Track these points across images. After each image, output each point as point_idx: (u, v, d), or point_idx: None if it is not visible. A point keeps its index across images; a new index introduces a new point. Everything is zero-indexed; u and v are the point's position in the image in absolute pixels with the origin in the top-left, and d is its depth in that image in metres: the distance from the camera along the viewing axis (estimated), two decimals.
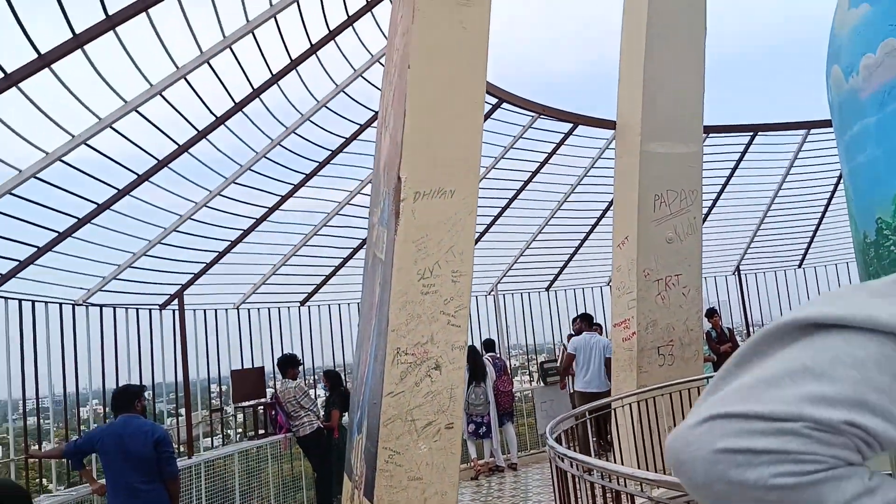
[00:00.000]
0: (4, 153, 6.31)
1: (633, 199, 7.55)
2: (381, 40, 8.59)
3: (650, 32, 7.26)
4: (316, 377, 12.13)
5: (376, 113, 9.34)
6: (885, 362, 0.62)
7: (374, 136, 9.42)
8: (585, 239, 13.45)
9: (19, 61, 5.63)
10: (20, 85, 5.70)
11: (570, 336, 10.82)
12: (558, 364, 10.98)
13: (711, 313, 11.60)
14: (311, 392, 10.64)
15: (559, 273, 13.82)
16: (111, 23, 5.81)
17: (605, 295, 14.07)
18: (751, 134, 12.44)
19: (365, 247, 6.59)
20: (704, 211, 12.48)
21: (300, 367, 9.52)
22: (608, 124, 10.81)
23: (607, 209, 12.60)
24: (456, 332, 4.76)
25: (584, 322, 10.00)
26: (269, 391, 10.52)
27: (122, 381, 9.22)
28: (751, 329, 15.60)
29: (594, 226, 13.27)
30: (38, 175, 6.55)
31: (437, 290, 4.73)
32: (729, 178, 13.27)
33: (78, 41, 5.76)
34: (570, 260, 13.73)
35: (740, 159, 12.94)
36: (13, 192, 6.50)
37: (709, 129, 11.70)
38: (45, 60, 5.67)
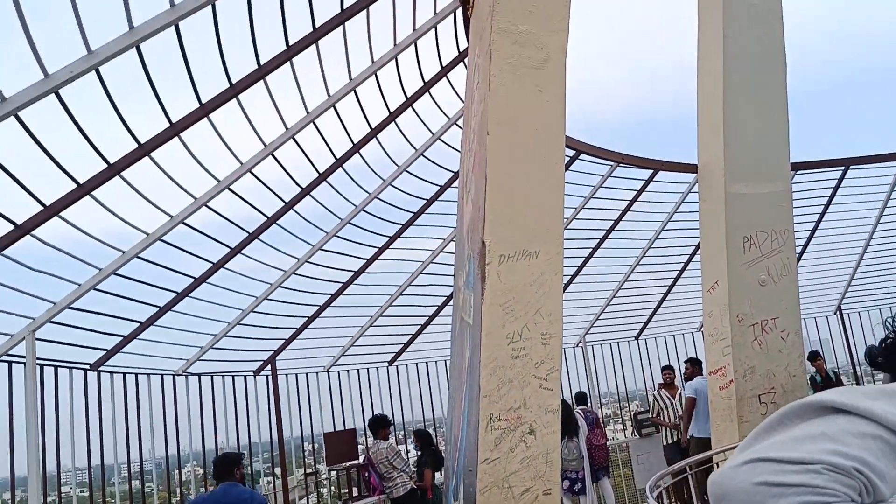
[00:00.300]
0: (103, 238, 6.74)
1: (720, 243, 7.35)
2: (456, 102, 8.76)
3: (727, 70, 7.14)
4: (406, 432, 12.19)
5: (455, 173, 9.49)
6: (876, 439, 0.88)
7: (454, 196, 9.54)
8: (673, 285, 13.13)
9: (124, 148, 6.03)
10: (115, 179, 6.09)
11: (660, 385, 10.47)
12: (650, 414, 10.55)
13: (814, 356, 11.04)
14: (402, 449, 10.66)
15: (648, 321, 13.50)
16: (234, 90, 6.18)
17: (697, 341, 13.63)
18: (842, 168, 11.97)
19: (451, 308, 6.62)
20: (798, 250, 12.01)
21: (391, 427, 9.56)
22: (690, 168, 10.62)
23: (694, 253, 12.29)
24: (549, 396, 4.70)
25: (696, 366, 9.65)
26: (360, 447, 10.60)
27: (220, 442, 9.54)
28: (857, 369, 14.80)
29: (681, 271, 12.94)
30: (139, 255, 6.93)
31: (528, 354, 4.70)
32: (822, 214, 12.75)
33: (204, 110, 6.11)
34: (658, 307, 13.40)
35: (833, 194, 12.43)
36: (117, 272, 6.89)
37: (797, 166, 11.33)
38: (161, 140, 6.05)
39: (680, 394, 9.82)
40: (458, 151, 9.21)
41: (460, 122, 8.76)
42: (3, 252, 5.77)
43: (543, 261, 4.84)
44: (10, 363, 6.76)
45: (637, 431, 10.99)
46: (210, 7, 5.34)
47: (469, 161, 5.67)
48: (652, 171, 11.03)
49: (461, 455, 5.19)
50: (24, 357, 6.62)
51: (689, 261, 12.66)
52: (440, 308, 11.23)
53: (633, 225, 11.96)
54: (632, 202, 11.42)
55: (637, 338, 13.58)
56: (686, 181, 11.39)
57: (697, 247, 10.61)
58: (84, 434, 7.77)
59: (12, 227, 5.69)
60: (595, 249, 11.85)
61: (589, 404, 11.05)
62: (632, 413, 12.63)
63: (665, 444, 9.80)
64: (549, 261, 4.84)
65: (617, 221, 11.61)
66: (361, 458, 9.83)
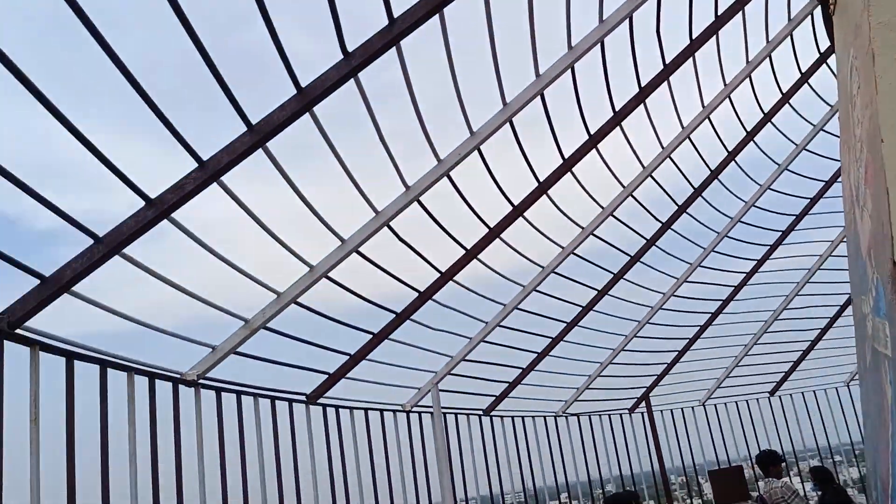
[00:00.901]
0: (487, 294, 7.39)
1: None
2: (821, 107, 8.03)
3: None
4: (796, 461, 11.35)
5: (825, 182, 8.67)
6: None
7: (824, 207, 8.69)
8: None
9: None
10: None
11: None
12: None
13: None
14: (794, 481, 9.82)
15: None
16: (592, 142, 6.52)
17: None
18: None
19: (854, 341, 5.96)
20: None
21: (783, 464, 8.84)
22: None
23: None
24: None
25: None
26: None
27: (604, 477, 9.81)
28: None
29: None
30: (518, 306, 7.49)
31: None
32: None
33: (568, 165, 6.54)
34: None
35: None
36: (501, 324, 7.50)
37: None
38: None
39: None
40: (825, 158, 8.40)
41: (826, 128, 8.01)
42: (411, 317, 6.62)
43: None
44: (419, 413, 7.68)
45: None
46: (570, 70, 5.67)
47: (858, 171, 5.10)
48: None
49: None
50: (430, 407, 7.47)
51: None
52: (823, 331, 10.21)
53: None
54: None
55: None
56: None
57: None
58: (483, 468, 8.50)
59: (416, 294, 6.51)
60: None
61: None
62: None
63: None
64: None
65: None
66: (755, 497, 9.24)
